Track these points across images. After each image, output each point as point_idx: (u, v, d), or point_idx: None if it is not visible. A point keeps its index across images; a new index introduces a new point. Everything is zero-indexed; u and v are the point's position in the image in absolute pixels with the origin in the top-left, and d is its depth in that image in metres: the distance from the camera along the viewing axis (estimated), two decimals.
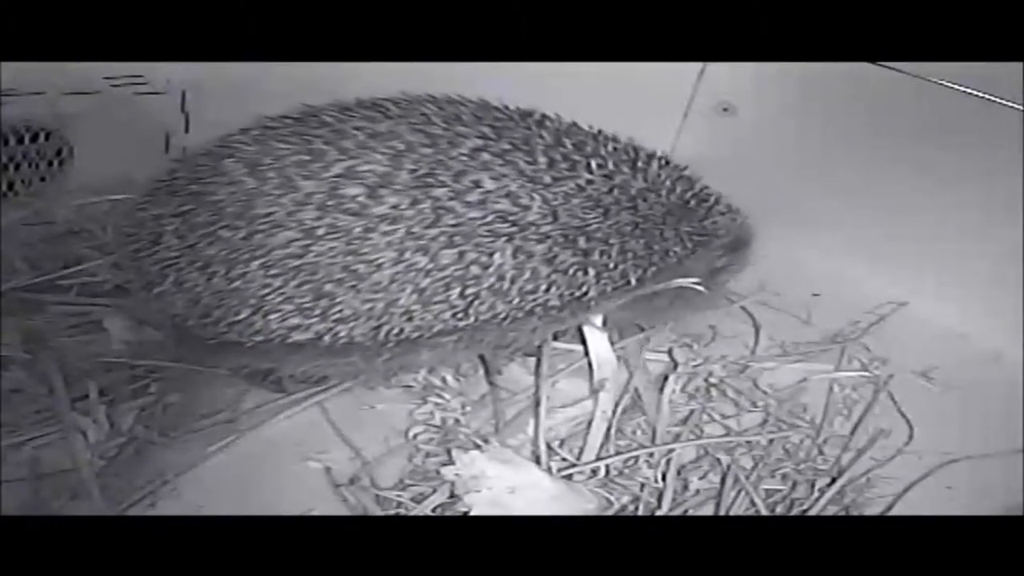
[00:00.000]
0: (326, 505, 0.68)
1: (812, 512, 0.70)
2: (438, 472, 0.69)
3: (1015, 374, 0.90)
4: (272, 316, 0.66)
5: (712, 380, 0.84)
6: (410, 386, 0.80)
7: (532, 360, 0.84)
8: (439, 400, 0.78)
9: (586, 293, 0.71)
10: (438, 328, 0.68)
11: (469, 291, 0.68)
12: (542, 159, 0.71)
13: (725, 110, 1.18)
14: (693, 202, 0.78)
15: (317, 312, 0.66)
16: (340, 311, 0.66)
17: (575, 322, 0.78)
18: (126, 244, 0.71)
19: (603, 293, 0.72)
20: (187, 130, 1.02)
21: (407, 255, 0.66)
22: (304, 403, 0.78)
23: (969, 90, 0.94)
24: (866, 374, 0.89)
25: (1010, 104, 0.91)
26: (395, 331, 0.68)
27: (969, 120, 0.95)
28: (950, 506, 0.74)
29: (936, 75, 0.96)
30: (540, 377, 0.79)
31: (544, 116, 0.76)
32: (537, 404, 0.76)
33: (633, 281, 0.73)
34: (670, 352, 0.87)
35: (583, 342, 0.82)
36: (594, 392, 0.79)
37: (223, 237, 0.66)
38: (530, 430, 0.76)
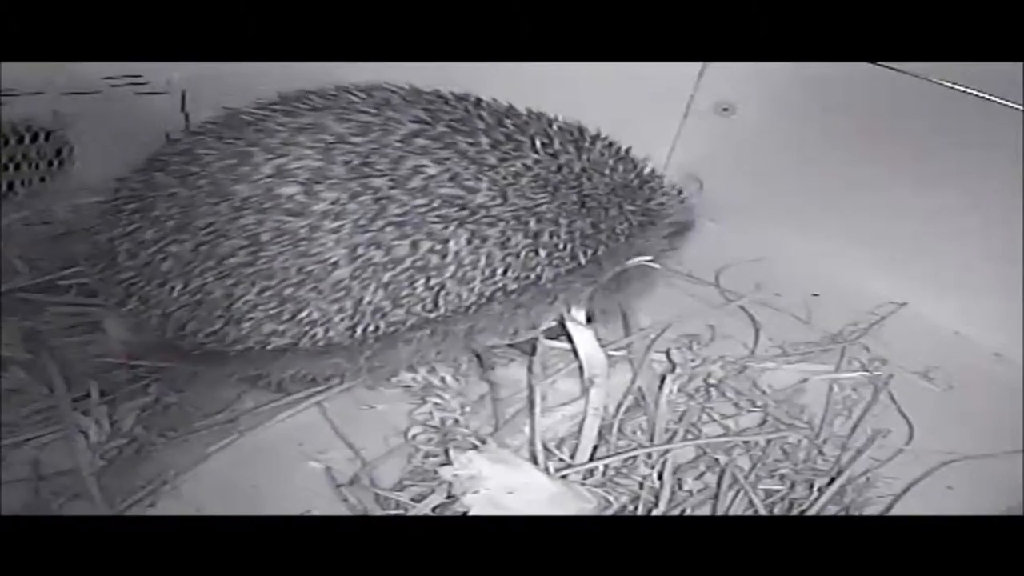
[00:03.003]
0: (326, 505, 0.68)
1: (811, 512, 0.70)
2: (436, 472, 0.69)
3: (1015, 374, 0.90)
4: (245, 325, 0.66)
5: (711, 381, 0.84)
6: (409, 386, 0.80)
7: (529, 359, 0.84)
8: (438, 400, 0.78)
9: (540, 276, 0.71)
10: (411, 322, 0.68)
11: (433, 281, 0.67)
12: (484, 140, 0.70)
13: (725, 110, 1.18)
14: (636, 182, 0.78)
15: (287, 317, 0.66)
16: (309, 314, 0.66)
17: (542, 310, 0.77)
18: (90, 267, 0.71)
19: (558, 276, 0.72)
20: (187, 130, 1.02)
21: (360, 251, 0.65)
22: (304, 403, 0.78)
23: (969, 90, 0.94)
24: (866, 374, 0.89)
25: (1010, 104, 0.91)
26: (371, 328, 0.67)
27: (969, 120, 0.95)
28: (950, 506, 0.74)
29: (936, 75, 0.96)
30: (533, 377, 0.79)
31: (479, 99, 0.75)
32: (532, 405, 0.76)
33: (583, 260, 0.73)
34: (668, 353, 0.86)
35: (570, 340, 0.82)
36: (585, 389, 0.79)
37: (172, 252, 0.65)
38: (529, 427, 0.75)
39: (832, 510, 0.71)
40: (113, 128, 0.96)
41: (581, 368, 0.81)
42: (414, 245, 0.66)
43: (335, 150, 0.66)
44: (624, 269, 0.78)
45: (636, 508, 0.70)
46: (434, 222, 0.66)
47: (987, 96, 0.93)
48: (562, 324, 0.82)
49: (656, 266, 0.78)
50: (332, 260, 0.65)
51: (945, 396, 0.88)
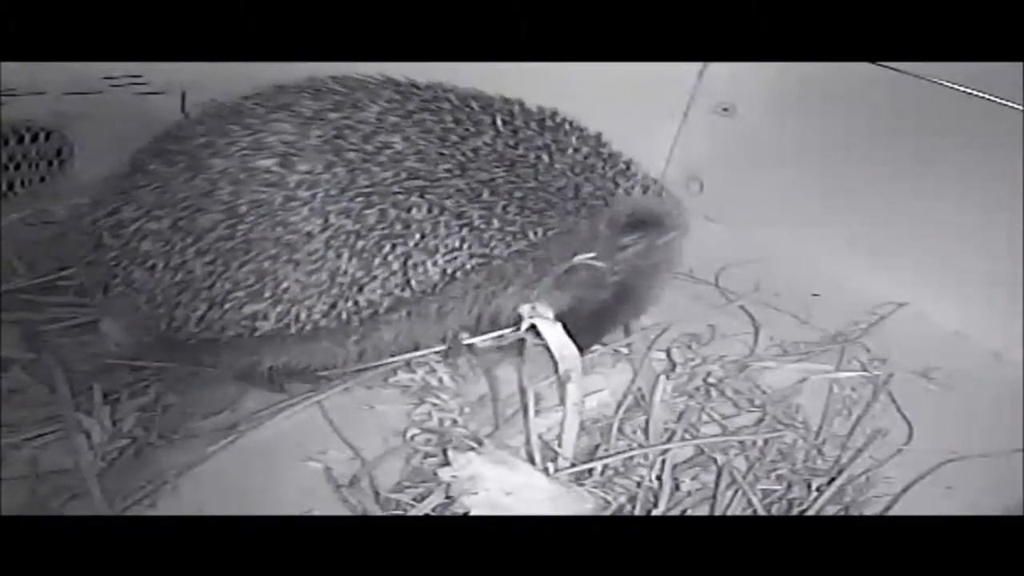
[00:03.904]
0: (326, 505, 0.68)
1: (811, 512, 0.70)
2: (435, 473, 0.69)
3: (1015, 374, 0.90)
4: (227, 306, 0.67)
5: (711, 380, 0.84)
6: (407, 386, 0.80)
7: (533, 363, 0.84)
8: (436, 401, 0.78)
9: (493, 252, 0.72)
10: (387, 303, 0.70)
11: (399, 249, 0.69)
12: (448, 118, 0.72)
13: (725, 110, 1.18)
14: (601, 165, 0.77)
15: (267, 295, 0.67)
16: (288, 288, 0.67)
17: (495, 295, 0.77)
18: (76, 252, 0.73)
19: (509, 253, 0.73)
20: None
21: (331, 219, 0.67)
22: (304, 403, 0.78)
23: (969, 90, 0.94)
24: (865, 374, 0.89)
25: (1010, 104, 0.91)
26: (351, 305, 0.69)
27: (969, 120, 0.95)
28: (950, 506, 0.74)
29: (936, 75, 0.96)
30: (525, 379, 0.79)
31: (446, 86, 0.77)
32: (525, 409, 0.76)
33: (532, 238, 0.74)
34: (668, 352, 0.86)
35: (540, 338, 0.81)
36: (561, 385, 0.78)
37: (152, 229, 0.67)
38: (536, 423, 0.75)
39: (832, 510, 0.71)
40: (113, 128, 0.96)
41: (555, 364, 0.81)
42: (382, 213, 0.68)
43: (311, 125, 0.69)
44: (570, 266, 0.77)
45: (634, 508, 0.70)
46: (398, 192, 0.69)
47: (987, 96, 0.93)
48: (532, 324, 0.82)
49: (599, 264, 0.77)
50: (307, 230, 0.67)
51: (945, 396, 0.89)
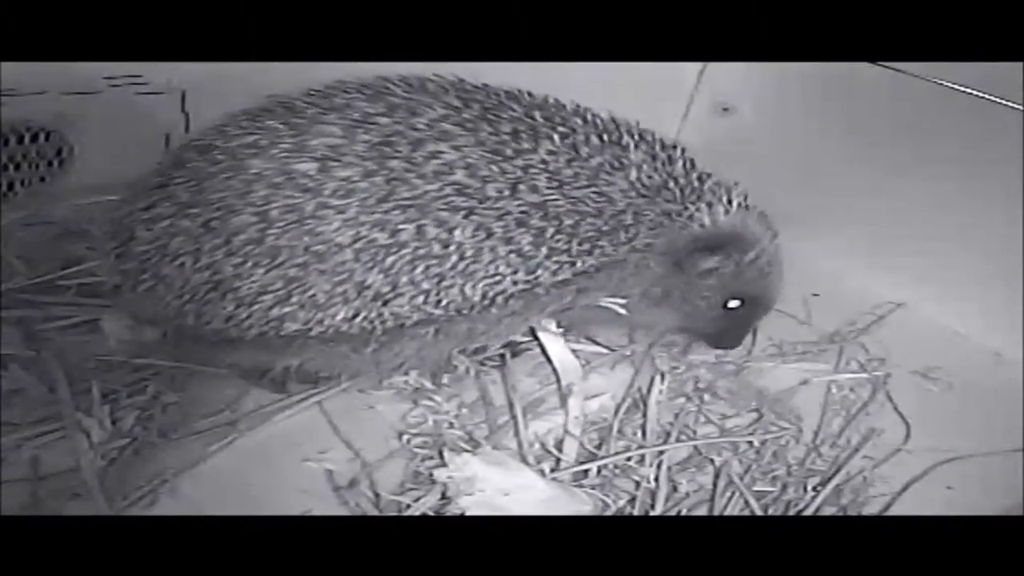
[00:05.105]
0: (325, 505, 0.68)
1: (808, 512, 0.70)
2: (431, 475, 0.69)
3: (1015, 374, 0.90)
4: (255, 307, 0.66)
5: (700, 384, 0.83)
6: (403, 389, 0.80)
7: (533, 362, 0.84)
8: (430, 403, 0.78)
9: (539, 280, 0.69)
10: (416, 318, 0.68)
11: (433, 270, 0.66)
12: (506, 128, 0.68)
13: (725, 110, 1.18)
14: (671, 184, 0.72)
15: (293, 300, 0.66)
16: (313, 295, 0.65)
17: (528, 320, 0.76)
18: (107, 244, 0.71)
19: (553, 283, 0.70)
20: (187, 130, 1.01)
21: (364, 231, 0.64)
22: (304, 403, 0.78)
23: (969, 90, 0.94)
24: (864, 375, 0.89)
25: (1010, 104, 0.91)
26: (374, 316, 0.67)
27: (969, 120, 0.95)
28: (950, 506, 0.74)
29: (936, 75, 0.96)
30: (511, 389, 0.80)
31: (521, 91, 0.73)
32: (515, 419, 0.76)
33: (580, 266, 0.70)
34: (653, 360, 0.86)
35: (542, 350, 0.82)
36: (563, 398, 0.78)
37: (183, 227, 0.66)
38: (528, 433, 0.76)
39: (829, 511, 0.71)
40: (113, 128, 0.96)
41: (556, 375, 0.81)
42: (419, 230, 0.65)
43: (358, 128, 0.66)
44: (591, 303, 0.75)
45: (633, 509, 0.70)
46: (442, 209, 0.65)
47: (987, 96, 0.93)
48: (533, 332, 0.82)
49: (622, 311, 0.74)
50: (337, 240, 0.64)
51: (944, 396, 0.88)
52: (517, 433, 0.75)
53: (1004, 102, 0.91)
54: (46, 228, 0.92)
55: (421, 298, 0.67)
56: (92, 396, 0.72)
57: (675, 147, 0.75)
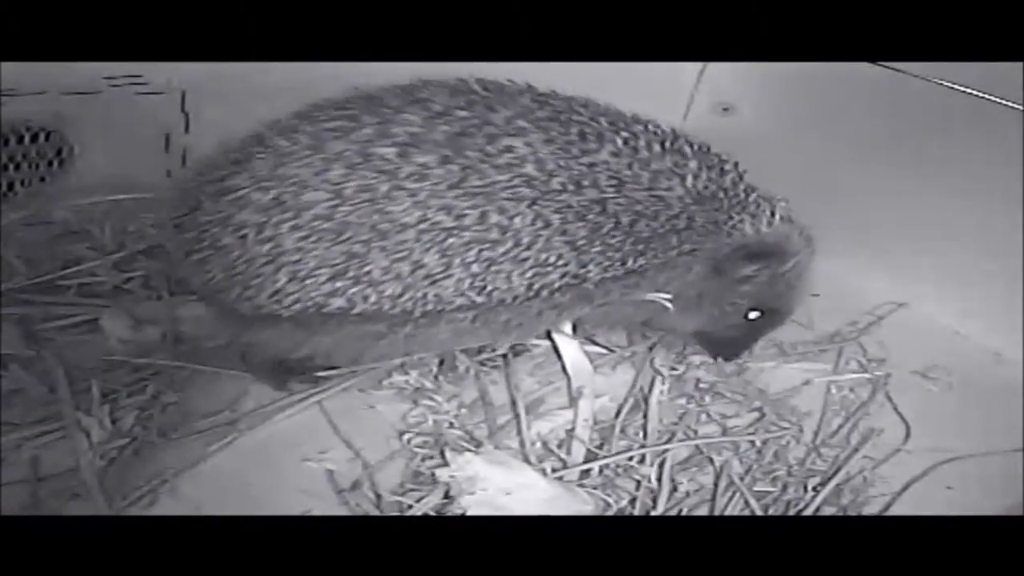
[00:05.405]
0: (325, 505, 0.68)
1: (808, 512, 0.70)
2: (433, 475, 0.69)
3: (1015, 374, 0.90)
4: (308, 281, 0.68)
5: (701, 385, 0.83)
6: (403, 388, 0.80)
7: (533, 362, 0.84)
8: (431, 403, 0.78)
9: (587, 276, 0.71)
10: (458, 303, 0.70)
11: (486, 254, 0.69)
12: (574, 130, 0.72)
13: (725, 110, 1.18)
14: (721, 194, 0.75)
15: (350, 274, 0.68)
16: (369, 272, 0.68)
17: (570, 315, 0.77)
18: (170, 211, 0.73)
19: (602, 279, 0.72)
20: (187, 130, 1.02)
21: (430, 214, 0.67)
22: (304, 403, 0.78)
23: (969, 90, 0.94)
24: (864, 375, 0.89)
25: (1010, 104, 0.91)
26: (419, 296, 0.69)
27: (969, 120, 0.95)
28: (950, 506, 0.74)
29: (936, 75, 0.96)
30: (514, 388, 0.80)
31: (588, 99, 0.76)
32: (517, 417, 0.77)
33: (630, 264, 0.72)
34: (651, 362, 0.86)
35: (556, 351, 0.82)
36: (573, 400, 0.79)
37: (254, 199, 0.68)
38: (529, 432, 0.76)
39: (829, 511, 0.71)
40: (113, 128, 0.96)
41: (567, 377, 0.81)
42: (483, 216, 0.68)
43: (439, 119, 0.69)
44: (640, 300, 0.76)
45: (634, 509, 0.70)
46: (507, 198, 0.68)
47: (987, 96, 0.93)
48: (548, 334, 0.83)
49: (668, 305, 0.76)
50: (403, 220, 0.67)
51: (944, 396, 0.88)
52: (519, 433, 0.75)
53: (1004, 102, 0.91)
54: (46, 228, 0.92)
55: (468, 281, 0.69)
56: (92, 396, 0.72)
57: (727, 159, 0.78)
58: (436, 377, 0.81)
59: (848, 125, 1.06)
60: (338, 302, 0.69)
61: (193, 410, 0.75)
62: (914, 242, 1.01)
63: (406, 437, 0.75)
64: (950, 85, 0.95)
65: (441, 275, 0.69)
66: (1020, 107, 0.90)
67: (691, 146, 0.75)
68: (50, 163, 0.96)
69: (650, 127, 0.75)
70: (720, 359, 0.86)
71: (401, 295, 0.69)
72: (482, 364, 0.84)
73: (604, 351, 0.88)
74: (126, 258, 0.90)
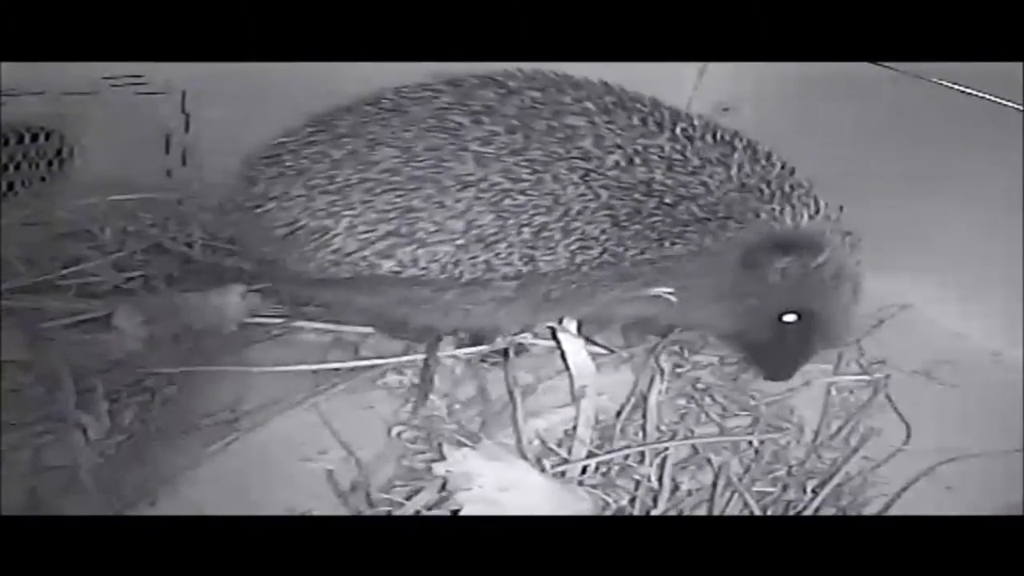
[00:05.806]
0: (325, 505, 0.68)
1: (807, 513, 0.70)
2: (430, 470, 0.69)
3: (1015, 374, 0.90)
4: (365, 237, 0.72)
5: (700, 385, 0.83)
6: (399, 388, 0.80)
7: (530, 361, 0.84)
8: (427, 400, 0.78)
9: (626, 254, 0.74)
10: (503, 271, 0.73)
11: (538, 220, 0.72)
12: (636, 116, 0.76)
13: (725, 110, 1.18)
14: (764, 187, 0.75)
15: (403, 231, 0.72)
16: (424, 228, 0.72)
17: (608, 291, 0.77)
18: (249, 166, 0.78)
19: (638, 260, 0.74)
20: (187, 130, 1.02)
21: (491, 175, 0.72)
22: (303, 403, 0.78)
23: (969, 90, 0.94)
24: (865, 376, 0.88)
25: (1010, 104, 0.91)
26: (467, 260, 0.72)
27: (969, 120, 0.95)
28: (950, 506, 0.74)
29: (936, 75, 0.96)
30: (514, 383, 0.80)
31: (645, 95, 0.80)
32: (515, 412, 0.77)
33: (666, 246, 0.74)
34: (656, 359, 0.85)
35: (559, 350, 0.82)
36: (576, 399, 0.78)
37: (330, 153, 0.74)
38: (529, 428, 0.76)
39: (829, 511, 0.71)
40: (113, 128, 0.96)
41: (569, 376, 0.81)
42: (539, 181, 0.72)
43: (511, 96, 0.75)
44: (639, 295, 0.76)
45: (634, 508, 0.70)
46: (563, 170, 0.73)
47: (987, 96, 0.93)
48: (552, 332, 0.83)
49: (672, 299, 0.76)
50: (465, 179, 0.72)
51: (945, 396, 0.88)
52: (517, 429, 0.75)
53: (1004, 102, 0.91)
54: (46, 228, 0.92)
55: (518, 250, 0.73)
56: (92, 395, 0.72)
57: (775, 156, 0.79)
58: (431, 380, 0.81)
59: (848, 125, 1.06)
60: (389, 264, 0.73)
61: (193, 410, 0.75)
62: (914, 243, 1.01)
63: (405, 436, 0.74)
64: (950, 85, 0.95)
65: (493, 237, 0.72)
66: (1020, 107, 0.90)
67: (741, 139, 0.78)
68: (50, 163, 0.96)
69: (707, 122, 0.78)
70: (770, 379, 0.83)
71: (452, 258, 0.72)
72: (482, 361, 0.84)
73: (604, 351, 0.88)
74: (126, 258, 0.90)
